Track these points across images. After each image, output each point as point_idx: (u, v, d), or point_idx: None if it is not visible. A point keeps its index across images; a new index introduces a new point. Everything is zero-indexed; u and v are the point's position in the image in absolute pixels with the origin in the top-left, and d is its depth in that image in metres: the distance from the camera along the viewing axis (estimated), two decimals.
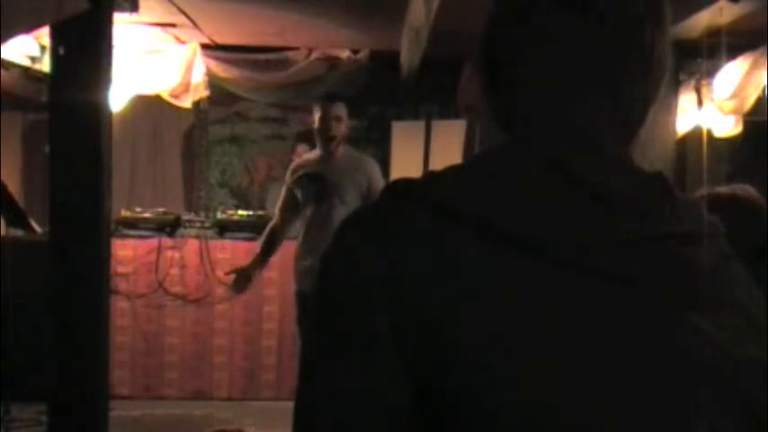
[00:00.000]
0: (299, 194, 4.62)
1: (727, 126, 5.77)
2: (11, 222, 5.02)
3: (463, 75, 0.94)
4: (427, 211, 0.77)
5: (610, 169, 0.81)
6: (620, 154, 0.84)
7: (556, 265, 0.75)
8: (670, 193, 0.82)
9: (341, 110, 4.58)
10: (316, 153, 4.71)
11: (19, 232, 5.14)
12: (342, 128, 4.59)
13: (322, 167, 4.58)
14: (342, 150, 4.63)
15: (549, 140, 0.81)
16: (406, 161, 6.86)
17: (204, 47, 6.49)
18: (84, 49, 3.85)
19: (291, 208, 4.71)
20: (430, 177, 0.81)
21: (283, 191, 4.82)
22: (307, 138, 7.88)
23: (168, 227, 5.95)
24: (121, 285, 5.70)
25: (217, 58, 6.59)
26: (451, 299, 0.73)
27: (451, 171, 0.82)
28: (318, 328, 0.79)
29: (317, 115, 4.61)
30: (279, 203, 4.85)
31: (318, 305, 0.80)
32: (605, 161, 0.81)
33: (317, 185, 4.56)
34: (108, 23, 4.00)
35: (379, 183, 4.48)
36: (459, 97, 0.96)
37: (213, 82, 6.60)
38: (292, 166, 4.87)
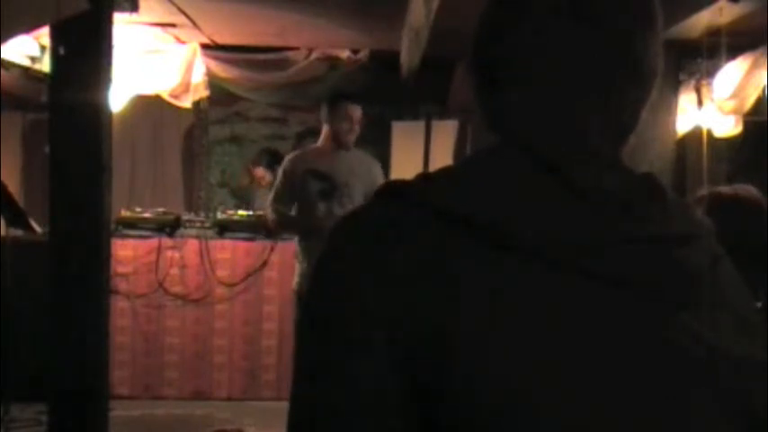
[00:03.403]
0: (301, 190, 4.57)
1: (727, 126, 5.77)
2: (11, 222, 5.02)
3: (455, 76, 0.94)
4: (420, 212, 0.77)
5: (602, 171, 0.81)
6: (614, 156, 0.85)
7: (551, 265, 0.75)
8: (662, 194, 0.83)
9: (359, 112, 4.59)
10: (316, 148, 4.68)
11: (19, 232, 5.14)
12: (358, 129, 4.60)
13: (329, 166, 4.55)
14: (349, 149, 4.62)
15: (543, 142, 0.82)
16: (406, 161, 6.86)
17: (204, 47, 6.49)
18: (84, 49, 3.85)
19: (287, 201, 4.65)
20: (423, 179, 0.81)
21: (279, 182, 4.71)
22: (308, 136, 7.90)
23: (168, 227, 5.94)
24: (121, 285, 5.70)
25: (217, 58, 6.59)
26: (444, 300, 0.73)
27: (445, 172, 0.82)
28: (308, 331, 0.79)
29: (331, 112, 4.55)
30: (272, 195, 4.75)
31: (308, 308, 0.80)
32: (599, 163, 0.82)
33: (323, 184, 4.54)
34: (108, 23, 4.00)
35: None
36: (452, 99, 0.96)
37: (213, 82, 6.60)
38: (291, 157, 4.78)
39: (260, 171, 7.19)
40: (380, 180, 4.55)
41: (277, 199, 4.69)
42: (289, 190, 4.64)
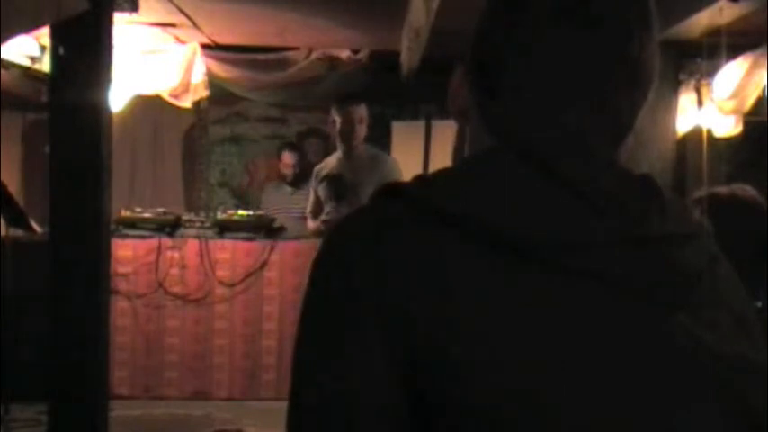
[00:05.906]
0: (321, 195, 4.72)
1: (727, 126, 5.76)
2: (11, 222, 5.02)
3: (454, 78, 0.95)
4: (419, 213, 0.77)
5: (599, 171, 0.81)
6: (609, 157, 0.85)
7: (549, 266, 0.75)
8: (658, 194, 0.83)
9: (364, 111, 4.68)
10: (337, 154, 4.78)
11: (19, 232, 5.14)
12: (364, 129, 4.67)
13: (342, 168, 4.65)
14: (361, 150, 4.68)
15: (540, 143, 0.82)
16: (406, 161, 6.84)
17: (204, 47, 6.49)
18: (84, 49, 3.84)
19: (316, 209, 4.86)
20: (420, 180, 0.82)
21: (311, 194, 4.98)
22: (308, 136, 7.91)
23: (168, 227, 5.94)
24: (121, 285, 5.70)
25: (217, 58, 6.59)
26: (443, 300, 0.74)
27: (443, 174, 0.83)
28: (306, 329, 0.79)
29: (336, 117, 4.66)
30: (309, 207, 5.00)
31: (307, 307, 0.80)
32: (595, 163, 0.82)
33: (336, 186, 4.63)
34: (108, 23, 4.00)
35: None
36: (450, 101, 0.96)
37: (213, 82, 6.60)
38: (316, 168, 4.98)
39: (286, 157, 6.82)
40: (392, 176, 4.58)
41: (311, 210, 4.96)
42: (315, 197, 4.88)
